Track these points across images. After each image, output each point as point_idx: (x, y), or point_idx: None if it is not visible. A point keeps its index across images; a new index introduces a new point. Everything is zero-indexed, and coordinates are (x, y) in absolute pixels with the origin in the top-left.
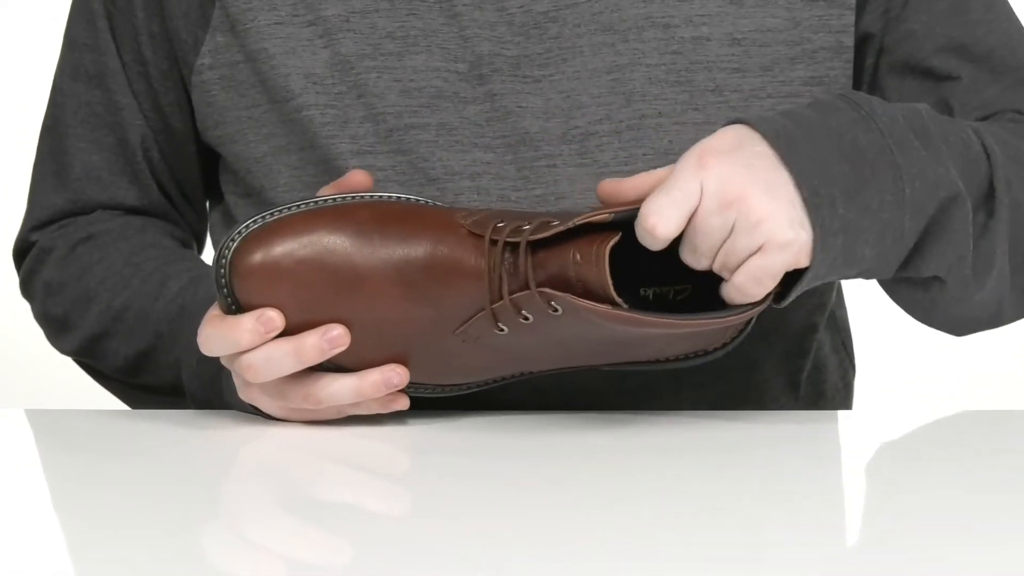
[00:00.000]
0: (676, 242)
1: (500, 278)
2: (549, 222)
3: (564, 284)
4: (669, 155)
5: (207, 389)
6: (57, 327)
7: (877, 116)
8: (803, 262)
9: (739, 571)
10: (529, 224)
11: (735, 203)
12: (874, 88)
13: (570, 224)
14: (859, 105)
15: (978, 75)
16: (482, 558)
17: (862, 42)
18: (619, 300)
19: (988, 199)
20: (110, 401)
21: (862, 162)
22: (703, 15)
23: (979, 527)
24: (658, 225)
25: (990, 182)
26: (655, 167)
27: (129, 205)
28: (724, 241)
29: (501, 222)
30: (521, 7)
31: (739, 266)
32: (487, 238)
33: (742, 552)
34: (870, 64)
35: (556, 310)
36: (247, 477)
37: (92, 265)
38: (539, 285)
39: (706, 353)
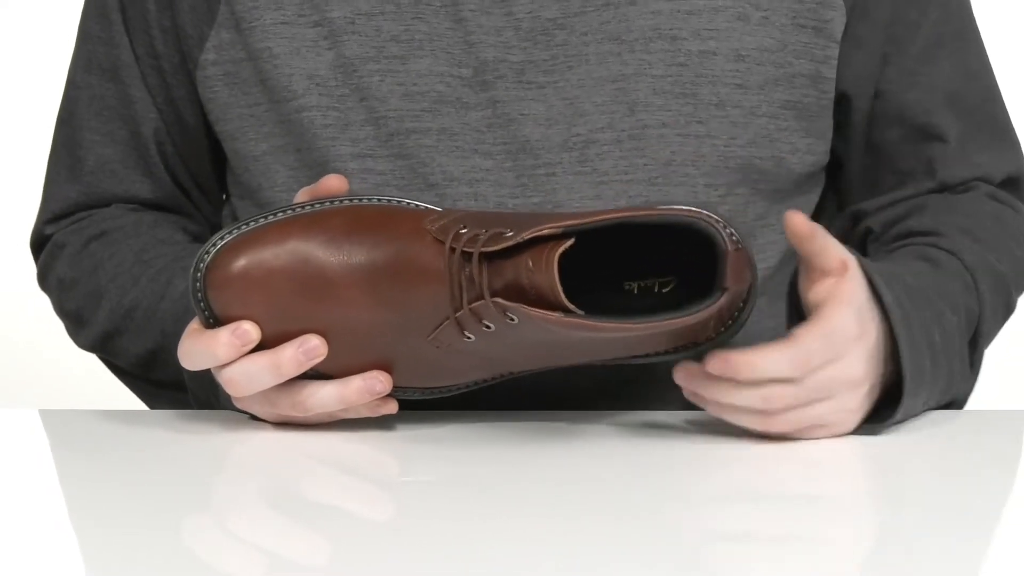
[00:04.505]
0: (664, 237)
1: (460, 286)
2: (502, 232)
3: (519, 291)
4: (670, 166)
5: (206, 390)
6: (74, 321)
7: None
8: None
9: (736, 572)
10: (486, 232)
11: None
12: (851, 132)
13: (519, 239)
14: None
15: (964, 132)
16: (466, 560)
17: (856, 83)
18: (571, 306)
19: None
20: (109, 403)
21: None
22: (711, 29)
23: (977, 528)
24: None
25: (973, 349)
26: (654, 177)
27: (143, 198)
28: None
29: (463, 228)
30: (529, 13)
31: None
32: (447, 245)
33: (738, 553)
34: (860, 110)
35: (512, 319)
36: (239, 477)
37: (104, 261)
38: (496, 294)
39: (695, 345)
